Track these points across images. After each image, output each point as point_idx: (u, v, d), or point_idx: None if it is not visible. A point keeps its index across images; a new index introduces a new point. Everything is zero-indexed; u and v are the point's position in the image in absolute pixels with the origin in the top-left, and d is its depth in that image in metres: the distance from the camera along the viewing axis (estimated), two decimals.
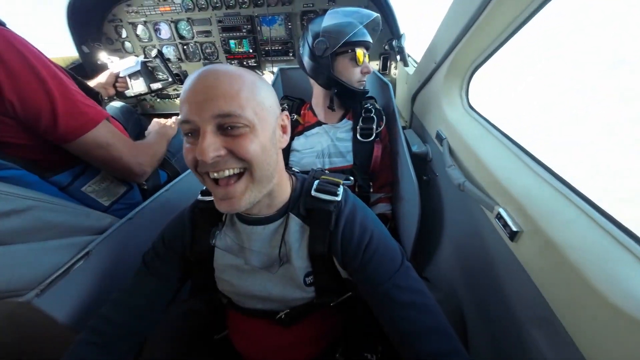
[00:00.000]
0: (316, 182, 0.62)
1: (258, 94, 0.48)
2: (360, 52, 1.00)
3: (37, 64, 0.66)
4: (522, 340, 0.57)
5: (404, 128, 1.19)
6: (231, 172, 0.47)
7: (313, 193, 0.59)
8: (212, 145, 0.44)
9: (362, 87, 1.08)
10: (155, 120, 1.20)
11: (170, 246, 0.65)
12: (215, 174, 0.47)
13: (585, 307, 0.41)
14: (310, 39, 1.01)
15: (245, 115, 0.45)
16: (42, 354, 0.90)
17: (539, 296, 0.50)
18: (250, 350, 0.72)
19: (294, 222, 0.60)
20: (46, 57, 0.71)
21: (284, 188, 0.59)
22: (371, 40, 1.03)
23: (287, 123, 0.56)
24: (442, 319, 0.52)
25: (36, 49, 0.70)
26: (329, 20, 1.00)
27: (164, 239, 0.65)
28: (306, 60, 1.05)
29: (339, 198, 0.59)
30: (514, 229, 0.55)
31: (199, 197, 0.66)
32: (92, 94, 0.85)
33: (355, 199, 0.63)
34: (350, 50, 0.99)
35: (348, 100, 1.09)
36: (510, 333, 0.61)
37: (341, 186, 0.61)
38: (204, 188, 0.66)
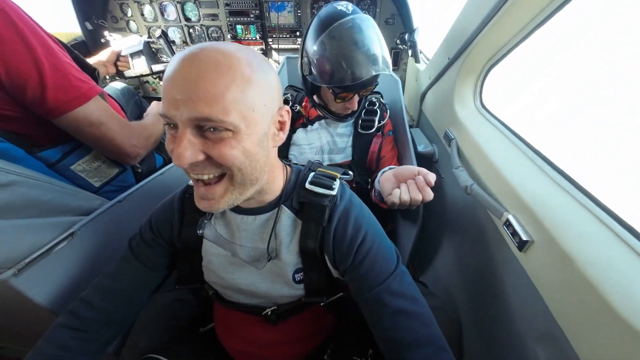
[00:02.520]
0: (312, 174, 0.58)
1: (250, 92, 0.40)
2: (343, 95, 0.84)
3: (27, 31, 0.62)
4: (523, 356, 0.53)
5: (410, 126, 1.15)
6: (210, 176, 0.43)
7: (307, 186, 0.56)
8: (188, 150, 0.39)
9: (347, 112, 0.94)
10: (155, 102, 1.16)
11: (157, 231, 0.62)
12: (195, 175, 0.43)
13: (601, 328, 0.37)
14: (308, 44, 0.86)
15: (229, 120, 0.38)
16: (22, 335, 0.88)
17: (545, 311, 0.47)
18: (235, 345, 0.70)
19: (286, 214, 0.56)
20: (39, 26, 0.67)
21: (276, 182, 0.55)
22: (374, 82, 0.83)
23: (287, 119, 0.50)
24: (434, 329, 0.49)
25: (29, 16, 0.66)
26: (340, 36, 0.78)
27: (152, 223, 0.62)
28: (299, 65, 0.92)
29: (334, 192, 0.55)
30: (524, 238, 0.52)
31: (190, 182, 0.62)
32: (89, 70, 0.82)
33: (352, 195, 0.60)
34: (331, 91, 0.84)
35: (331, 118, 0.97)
36: (510, 347, 0.57)
37: (338, 180, 0.57)
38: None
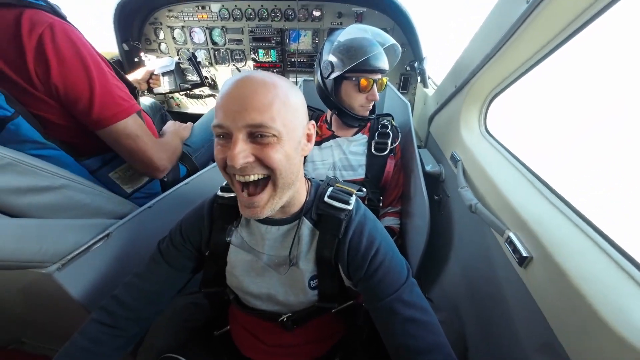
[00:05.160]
0: (330, 189, 0.64)
1: (290, 106, 0.50)
2: (365, 80, 0.97)
3: (86, 53, 0.73)
4: None
5: (419, 147, 1.21)
6: (256, 177, 0.51)
7: (326, 199, 0.61)
8: (242, 152, 0.47)
9: (366, 113, 1.06)
10: (171, 122, 1.27)
11: (187, 236, 0.67)
12: (242, 178, 0.51)
13: (593, 338, 0.41)
14: (324, 56, 1.02)
15: (275, 126, 0.47)
16: (48, 332, 0.93)
17: (544, 323, 0.50)
18: (249, 347, 0.73)
19: (306, 225, 0.62)
20: (95, 50, 0.78)
21: (301, 193, 0.62)
22: (387, 68, 1.00)
23: (313, 132, 0.59)
24: (443, 339, 0.52)
25: (88, 41, 0.77)
26: (349, 34, 0.99)
27: (182, 229, 0.68)
28: (317, 77, 1.06)
29: (350, 207, 0.60)
30: (524, 254, 0.56)
31: (219, 192, 0.68)
32: (131, 87, 0.92)
33: (366, 210, 0.65)
34: (354, 78, 0.97)
35: (349, 121, 1.08)
36: (512, 359, 0.60)
37: (354, 196, 0.63)
38: (224, 184, 0.69)
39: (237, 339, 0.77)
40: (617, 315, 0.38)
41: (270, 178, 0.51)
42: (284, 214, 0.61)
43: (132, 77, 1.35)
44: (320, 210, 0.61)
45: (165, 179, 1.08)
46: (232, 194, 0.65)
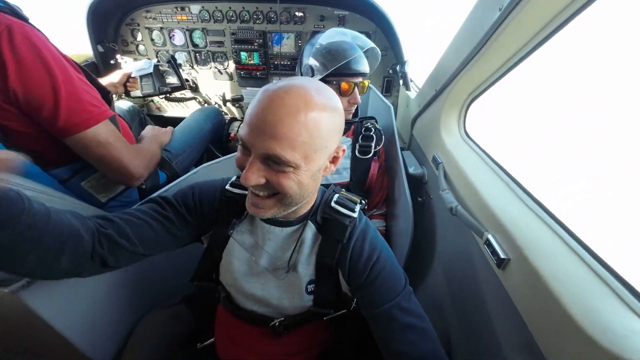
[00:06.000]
0: (336, 195, 0.65)
1: (318, 137, 0.47)
2: (346, 84, 0.97)
3: (50, 58, 0.68)
4: None
5: (402, 149, 1.23)
6: (265, 194, 0.51)
7: (332, 204, 0.62)
8: (255, 174, 0.47)
9: (349, 116, 1.05)
10: (149, 126, 1.23)
11: (199, 200, 0.63)
12: (252, 189, 0.52)
13: (567, 339, 0.42)
14: (304, 59, 1.02)
15: (293, 159, 0.46)
16: (15, 350, 0.87)
17: (522, 324, 0.51)
18: (235, 357, 0.71)
19: (310, 229, 0.62)
20: (61, 54, 0.74)
21: (310, 202, 0.62)
22: (367, 71, 1.00)
23: (341, 156, 0.57)
24: (439, 346, 0.54)
25: (52, 44, 0.73)
26: (329, 37, 1.00)
27: (195, 192, 0.64)
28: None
29: (355, 215, 0.61)
30: (502, 256, 0.57)
31: (228, 186, 0.66)
32: (104, 92, 0.88)
33: (367, 219, 0.66)
34: (335, 82, 0.97)
35: None
36: (493, 359, 0.61)
37: (359, 205, 0.64)
38: (233, 179, 0.67)
39: (222, 351, 0.74)
40: (587, 316, 0.40)
41: (278, 194, 0.51)
42: (290, 217, 0.61)
43: (107, 80, 1.30)
44: (326, 215, 0.62)
45: (144, 186, 1.04)
46: (242, 191, 0.63)
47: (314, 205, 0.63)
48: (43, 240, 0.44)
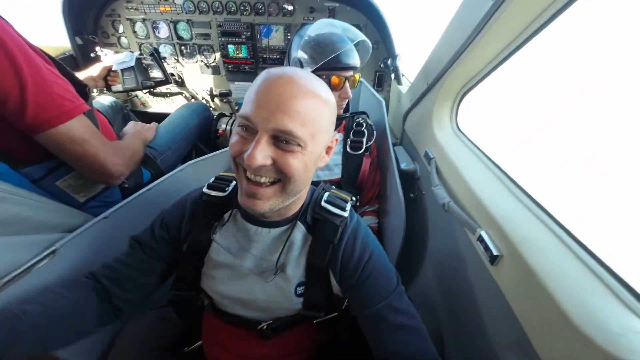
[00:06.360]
0: (326, 194, 0.63)
1: (322, 118, 0.48)
2: (336, 78, 0.93)
3: (12, 46, 0.62)
4: None
5: (394, 145, 1.21)
6: (267, 180, 0.48)
7: (323, 204, 0.60)
8: (262, 153, 0.44)
9: (340, 111, 1.02)
10: (132, 122, 1.18)
11: (166, 228, 0.63)
12: (253, 177, 0.48)
13: (560, 336, 0.41)
14: (293, 52, 0.98)
15: (304, 136, 0.45)
16: None
17: (515, 321, 0.50)
18: None
19: (299, 229, 0.60)
20: (28, 44, 0.68)
21: (302, 199, 0.60)
22: (358, 65, 0.97)
23: (334, 145, 0.57)
24: (430, 345, 0.53)
25: (17, 33, 0.67)
26: (318, 29, 0.96)
27: (163, 220, 0.64)
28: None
29: (346, 214, 0.59)
30: (495, 252, 0.56)
31: (205, 189, 0.64)
32: (80, 86, 0.83)
33: (358, 217, 0.65)
34: (324, 77, 0.92)
35: None
36: (485, 357, 0.60)
37: (349, 203, 0.62)
38: (210, 181, 0.66)
39: (210, 354, 0.72)
40: (582, 314, 0.39)
41: (280, 181, 0.49)
42: (279, 216, 0.58)
43: (85, 73, 1.23)
44: (316, 215, 0.59)
45: (126, 185, 0.99)
46: (220, 193, 0.62)
47: (303, 204, 0.61)
48: (53, 344, 0.53)
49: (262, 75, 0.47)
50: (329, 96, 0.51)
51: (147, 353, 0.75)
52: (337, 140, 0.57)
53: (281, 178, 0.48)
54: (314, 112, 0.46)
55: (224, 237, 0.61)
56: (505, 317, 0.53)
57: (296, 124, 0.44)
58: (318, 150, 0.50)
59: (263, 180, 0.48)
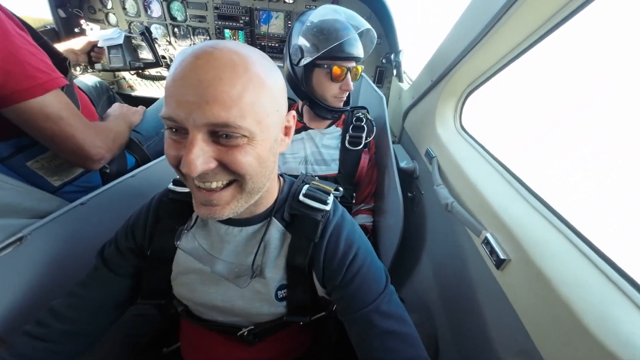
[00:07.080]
0: (305, 186, 0.57)
1: (266, 96, 0.39)
2: (338, 69, 0.88)
3: None
4: None
5: (393, 143, 1.18)
6: (219, 184, 0.41)
7: (301, 198, 0.54)
8: (200, 157, 0.36)
9: (339, 104, 0.98)
10: (117, 104, 1.09)
11: (132, 236, 0.57)
12: (201, 184, 0.40)
13: (576, 349, 0.38)
14: (293, 39, 0.92)
15: (245, 125, 0.37)
16: None
17: (521, 329, 0.48)
18: None
19: (275, 227, 0.54)
20: (1, 8, 0.61)
21: (272, 192, 0.53)
22: (361, 55, 0.92)
23: (292, 124, 0.49)
24: (421, 351, 0.48)
25: None
26: (320, 15, 0.90)
27: (128, 227, 0.58)
28: (286, 64, 0.96)
29: (328, 207, 0.54)
30: (502, 256, 0.53)
31: (171, 186, 0.58)
32: (59, 58, 0.75)
33: (344, 211, 0.59)
34: (326, 66, 0.89)
35: (322, 113, 1.00)
36: None
37: (331, 195, 0.56)
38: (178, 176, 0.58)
39: (187, 357, 0.67)
40: (602, 325, 0.36)
41: (236, 181, 0.41)
42: (250, 214, 0.52)
43: (66, 45, 1.13)
44: (294, 210, 0.53)
45: (108, 171, 0.92)
46: (187, 189, 0.55)
47: (277, 198, 0.54)
48: None
49: (177, 58, 0.37)
50: (269, 64, 0.41)
51: (124, 350, 0.70)
52: (294, 117, 0.49)
53: (236, 178, 0.41)
54: (253, 92, 0.37)
55: (191, 242, 0.54)
56: (510, 324, 0.51)
57: (232, 112, 0.35)
58: (271, 136, 0.42)
59: (214, 185, 0.40)
